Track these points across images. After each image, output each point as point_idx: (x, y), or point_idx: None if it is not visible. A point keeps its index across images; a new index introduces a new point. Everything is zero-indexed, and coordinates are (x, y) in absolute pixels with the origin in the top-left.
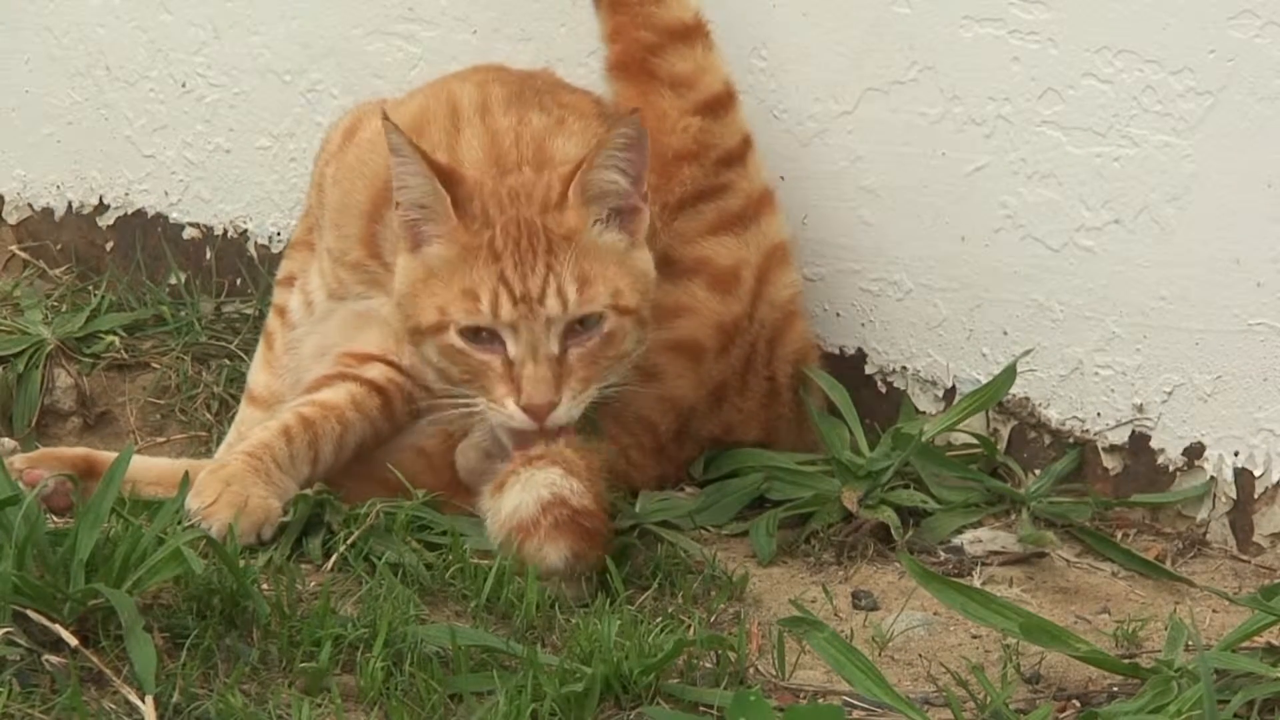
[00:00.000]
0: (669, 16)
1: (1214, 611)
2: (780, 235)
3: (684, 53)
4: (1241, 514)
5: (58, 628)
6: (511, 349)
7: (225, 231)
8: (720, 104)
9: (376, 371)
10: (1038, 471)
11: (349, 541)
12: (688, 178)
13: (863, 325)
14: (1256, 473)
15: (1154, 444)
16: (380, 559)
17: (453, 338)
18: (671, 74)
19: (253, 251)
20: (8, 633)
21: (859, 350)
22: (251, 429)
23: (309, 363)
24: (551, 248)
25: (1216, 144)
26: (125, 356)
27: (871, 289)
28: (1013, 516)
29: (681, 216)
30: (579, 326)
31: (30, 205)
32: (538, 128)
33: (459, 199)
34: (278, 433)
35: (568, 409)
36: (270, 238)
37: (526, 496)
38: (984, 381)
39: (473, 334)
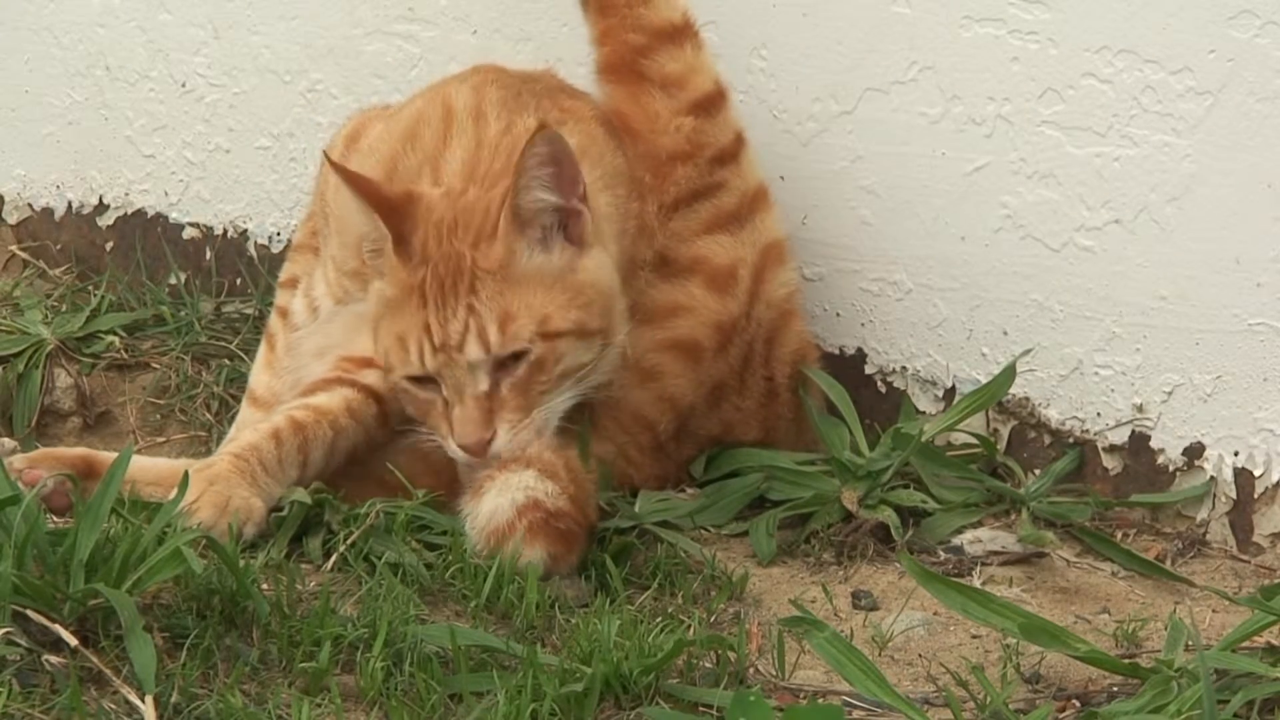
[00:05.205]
0: (657, 18)
1: (1214, 611)
2: (776, 233)
3: (673, 53)
4: (1241, 514)
5: (58, 628)
6: (445, 391)
7: (225, 231)
8: (712, 103)
9: (374, 377)
10: (1038, 471)
11: (349, 541)
12: (682, 177)
13: (863, 325)
14: (1256, 473)
15: (1154, 444)
16: (380, 559)
17: (397, 380)
18: (662, 75)
19: (253, 251)
20: (8, 633)
21: (859, 350)
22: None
23: (309, 361)
24: (474, 287)
25: (1216, 144)
26: (125, 356)
27: (871, 289)
28: (1013, 516)
29: (677, 216)
30: (510, 360)
31: (30, 205)
32: (520, 133)
33: (401, 236)
34: (267, 435)
35: (507, 439)
36: (270, 238)
37: (502, 500)
38: (984, 381)
39: (412, 379)
